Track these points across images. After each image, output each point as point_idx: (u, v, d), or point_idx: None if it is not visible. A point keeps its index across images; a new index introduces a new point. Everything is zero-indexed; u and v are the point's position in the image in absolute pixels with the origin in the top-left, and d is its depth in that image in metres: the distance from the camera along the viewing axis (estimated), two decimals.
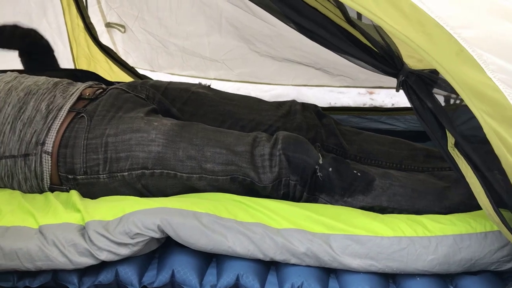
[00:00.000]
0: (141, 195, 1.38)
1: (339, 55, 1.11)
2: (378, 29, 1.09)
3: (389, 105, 2.44)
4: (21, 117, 1.40)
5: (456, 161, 1.08)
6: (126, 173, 1.36)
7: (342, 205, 1.34)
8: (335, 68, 2.02)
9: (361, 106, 2.45)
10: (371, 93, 2.54)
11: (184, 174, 1.35)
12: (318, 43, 1.07)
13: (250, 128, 1.59)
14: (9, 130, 1.39)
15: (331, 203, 1.35)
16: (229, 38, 2.06)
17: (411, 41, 0.93)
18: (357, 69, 1.96)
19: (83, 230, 1.22)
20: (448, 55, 0.94)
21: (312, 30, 1.03)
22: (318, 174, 1.34)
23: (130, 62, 2.30)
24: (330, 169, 1.34)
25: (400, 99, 2.45)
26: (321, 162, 1.35)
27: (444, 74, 0.95)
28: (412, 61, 1.15)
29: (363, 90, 2.43)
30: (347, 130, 1.66)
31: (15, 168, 1.38)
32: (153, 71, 2.35)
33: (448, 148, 1.08)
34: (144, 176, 1.36)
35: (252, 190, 1.36)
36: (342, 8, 1.10)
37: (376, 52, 1.10)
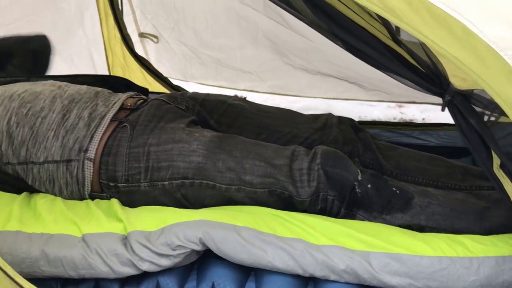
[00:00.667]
0: (180, 204, 1.40)
1: (385, 73, 1.11)
2: (424, 47, 1.09)
3: (420, 120, 2.44)
4: (65, 124, 1.43)
5: (502, 182, 1.07)
6: (167, 182, 1.38)
7: (380, 222, 1.34)
8: (370, 83, 2.02)
9: (392, 120, 2.45)
10: (400, 106, 2.53)
11: (223, 185, 1.37)
12: (365, 61, 1.08)
13: (286, 140, 1.60)
14: (53, 136, 1.42)
15: (368, 220, 1.35)
16: (263, 51, 2.08)
17: (462, 64, 0.93)
18: (392, 84, 1.97)
19: (125, 240, 1.24)
20: (499, 77, 0.94)
21: (360, 49, 1.04)
22: (357, 190, 1.34)
23: (163, 71, 2.34)
24: (369, 185, 1.34)
25: (431, 114, 2.44)
26: (360, 178, 1.35)
27: (494, 96, 0.95)
28: (456, 80, 1.15)
29: (392, 104, 2.43)
30: (383, 145, 1.66)
31: (57, 173, 1.41)
32: (185, 80, 2.38)
33: (494, 169, 1.08)
34: (184, 185, 1.37)
35: (290, 204, 1.36)
36: (388, 26, 1.11)
37: (422, 71, 1.10)
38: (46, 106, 1.46)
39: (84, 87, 1.58)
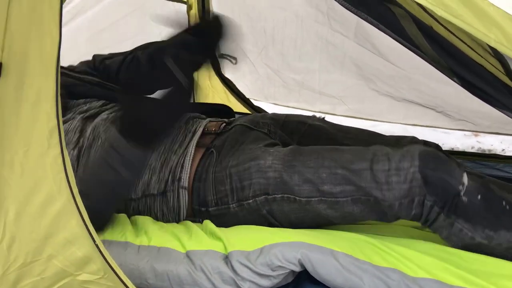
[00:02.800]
0: (268, 222, 1.42)
1: (500, 110, 1.11)
2: None
3: (500, 150, 2.39)
4: (160, 159, 1.49)
5: None
6: (251, 201, 1.41)
7: (481, 237, 1.27)
8: (459, 113, 2.01)
9: (470, 149, 2.41)
10: (476, 135, 2.50)
11: (303, 198, 1.36)
12: (479, 98, 1.08)
13: None
14: (149, 172, 1.48)
15: (468, 231, 1.27)
16: (349, 76, 2.10)
17: None
18: (483, 116, 1.95)
19: (226, 258, 1.27)
20: None
21: (476, 85, 1.05)
22: (462, 197, 1.25)
23: (244, 92, 2.40)
24: (479, 196, 1.25)
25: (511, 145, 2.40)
26: (467, 184, 1.26)
27: None
28: None
29: (468, 132, 2.40)
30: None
31: (154, 206, 1.48)
32: (266, 101, 2.44)
33: None
34: (267, 202, 1.40)
35: (379, 211, 1.32)
36: (503, 61, 1.11)
37: None
38: None
39: None
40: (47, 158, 1.04)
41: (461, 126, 2.17)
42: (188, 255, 1.28)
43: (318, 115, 1.82)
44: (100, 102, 1.66)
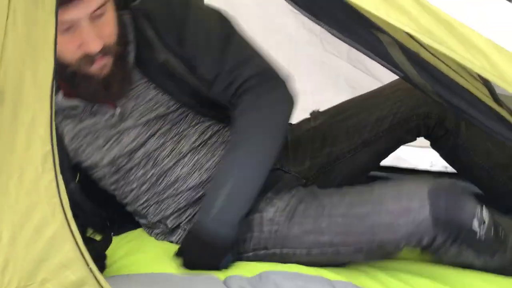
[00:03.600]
0: None
1: (490, 134, 1.13)
2: None
3: None
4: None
5: None
6: (251, 254, 1.38)
7: (479, 261, 1.28)
8: None
9: None
10: None
11: (303, 250, 1.33)
12: (466, 121, 1.10)
13: (379, 128, 1.56)
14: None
15: (471, 257, 1.27)
16: (343, 97, 2.12)
17: None
18: None
19: (224, 284, 1.26)
20: None
21: (464, 110, 1.07)
22: (477, 232, 1.23)
23: None
24: (492, 230, 1.24)
25: None
26: (481, 217, 1.23)
27: None
28: None
29: None
30: None
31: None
32: None
33: None
34: (267, 256, 1.36)
35: (384, 253, 1.31)
36: (489, 86, 1.13)
37: None
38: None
39: None
40: (41, 183, 1.06)
41: None
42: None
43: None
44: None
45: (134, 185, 1.45)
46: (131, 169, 1.43)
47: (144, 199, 1.45)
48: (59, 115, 1.34)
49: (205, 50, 1.37)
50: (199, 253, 1.32)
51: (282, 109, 1.39)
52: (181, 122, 1.42)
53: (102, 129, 1.41)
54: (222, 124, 1.47)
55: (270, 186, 1.42)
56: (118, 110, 1.39)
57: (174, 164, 1.42)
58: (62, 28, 1.21)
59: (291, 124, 1.62)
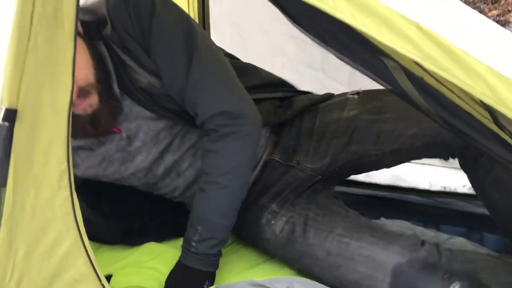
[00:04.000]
0: None
1: (493, 157, 1.16)
2: None
3: None
4: None
5: None
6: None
7: None
8: None
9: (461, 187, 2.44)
10: None
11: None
12: (469, 144, 1.14)
13: (411, 145, 1.49)
14: None
15: None
16: None
17: None
18: None
19: None
20: None
21: (467, 133, 1.10)
22: None
23: None
24: None
25: None
26: None
27: None
28: None
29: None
30: None
31: None
32: None
33: None
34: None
35: None
36: (491, 111, 1.17)
37: None
38: None
39: None
40: (56, 200, 1.09)
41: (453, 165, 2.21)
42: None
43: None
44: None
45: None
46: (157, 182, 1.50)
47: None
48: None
49: (171, 69, 1.36)
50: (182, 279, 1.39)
51: (246, 152, 1.39)
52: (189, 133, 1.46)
53: (114, 154, 1.44)
54: None
55: (280, 191, 1.49)
56: (124, 134, 1.42)
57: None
58: None
59: (325, 98, 1.62)
